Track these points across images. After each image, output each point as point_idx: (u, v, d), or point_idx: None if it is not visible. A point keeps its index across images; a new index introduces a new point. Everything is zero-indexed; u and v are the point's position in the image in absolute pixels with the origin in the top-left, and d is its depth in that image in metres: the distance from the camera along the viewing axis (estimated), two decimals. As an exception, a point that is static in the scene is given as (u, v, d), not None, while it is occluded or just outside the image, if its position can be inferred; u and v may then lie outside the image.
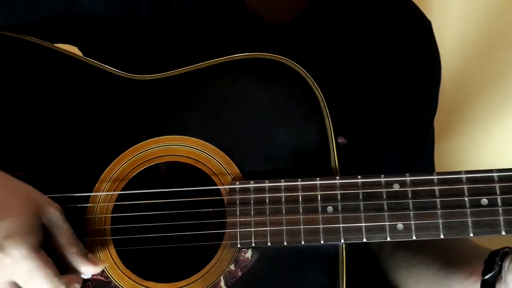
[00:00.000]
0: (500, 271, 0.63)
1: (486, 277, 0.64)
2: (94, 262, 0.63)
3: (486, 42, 1.18)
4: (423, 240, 0.63)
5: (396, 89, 0.84)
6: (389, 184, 0.63)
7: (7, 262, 0.56)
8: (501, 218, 0.61)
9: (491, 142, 1.19)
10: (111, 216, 0.69)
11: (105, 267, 0.68)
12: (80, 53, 0.84)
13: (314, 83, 0.69)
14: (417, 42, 0.85)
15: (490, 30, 1.17)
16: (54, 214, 0.62)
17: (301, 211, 0.64)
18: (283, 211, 0.65)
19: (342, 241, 0.63)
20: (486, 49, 1.18)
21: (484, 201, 0.61)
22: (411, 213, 0.62)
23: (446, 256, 0.77)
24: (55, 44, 0.78)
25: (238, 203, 0.66)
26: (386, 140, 0.85)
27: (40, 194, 0.62)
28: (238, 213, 0.66)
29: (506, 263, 0.62)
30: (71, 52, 0.76)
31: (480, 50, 1.18)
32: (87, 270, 0.63)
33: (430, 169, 0.89)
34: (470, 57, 1.19)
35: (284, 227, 0.64)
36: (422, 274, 0.79)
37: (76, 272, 0.62)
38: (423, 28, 0.86)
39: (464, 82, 1.18)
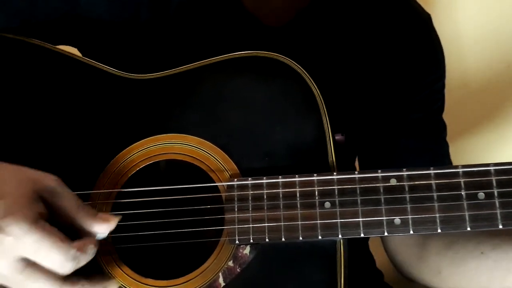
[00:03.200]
0: None
1: None
2: (105, 219, 0.62)
3: (498, 39, 1.18)
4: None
5: (401, 81, 0.85)
6: (386, 179, 0.64)
7: (10, 241, 0.56)
8: (498, 211, 0.61)
9: (491, 142, 1.19)
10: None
11: (105, 267, 0.68)
12: (80, 54, 0.84)
13: (311, 80, 0.70)
14: (417, 35, 0.86)
15: (502, 26, 1.17)
16: (52, 184, 0.61)
17: (298, 206, 0.65)
18: (281, 207, 0.65)
19: (340, 236, 0.63)
20: (498, 45, 1.18)
21: (481, 194, 0.61)
22: (408, 207, 0.62)
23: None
24: (56, 46, 0.79)
25: (236, 199, 0.66)
26: (400, 129, 0.85)
27: (34, 171, 0.61)
28: (236, 209, 0.66)
29: None
30: (70, 53, 0.77)
31: (491, 47, 1.18)
32: (101, 229, 0.61)
33: (448, 157, 0.89)
34: (482, 54, 1.19)
35: (282, 223, 0.65)
36: (501, 258, 0.72)
37: (90, 235, 0.61)
38: (422, 21, 0.87)
39: (465, 82, 1.19)
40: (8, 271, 0.57)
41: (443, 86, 0.89)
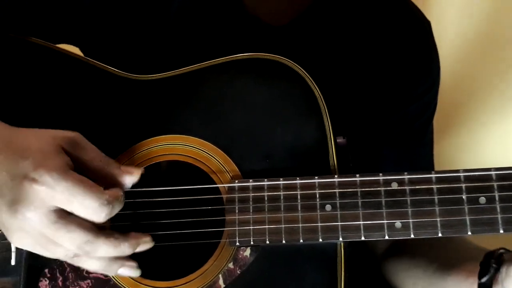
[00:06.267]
0: (495, 272, 0.63)
1: (483, 280, 0.64)
2: (129, 171, 0.63)
3: (485, 42, 1.18)
4: (420, 241, 0.63)
5: (395, 89, 0.85)
6: (387, 183, 0.64)
7: (43, 191, 0.56)
8: (499, 216, 0.61)
9: (490, 141, 1.19)
10: (111, 214, 0.69)
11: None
12: (81, 54, 0.84)
13: (313, 82, 0.70)
14: (417, 43, 0.86)
15: (489, 29, 1.17)
16: (74, 137, 0.61)
17: (299, 209, 0.65)
18: (282, 209, 0.65)
19: (340, 239, 0.63)
20: (485, 48, 1.19)
21: (482, 199, 0.61)
22: (409, 211, 0.62)
23: (442, 258, 0.77)
24: (57, 45, 0.79)
25: (237, 201, 0.66)
26: (385, 139, 0.86)
27: (54, 130, 0.62)
28: (237, 211, 0.66)
29: (504, 269, 0.62)
30: (72, 53, 0.77)
31: (479, 50, 1.19)
32: (126, 180, 0.62)
33: (430, 168, 0.90)
34: (469, 57, 1.20)
35: (283, 225, 0.65)
36: (419, 277, 0.79)
37: (115, 186, 0.62)
38: (422, 29, 0.87)
39: (463, 82, 1.19)
40: (41, 222, 0.57)
41: (435, 94, 0.89)
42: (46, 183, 0.56)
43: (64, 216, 0.57)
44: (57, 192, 0.56)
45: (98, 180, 0.60)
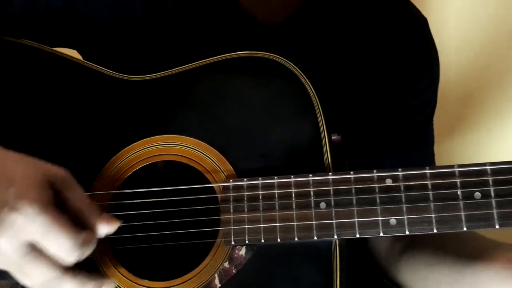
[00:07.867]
0: None
1: None
2: (109, 220, 0.62)
3: (487, 41, 1.18)
4: (442, 235, 0.61)
5: (394, 85, 0.84)
6: (381, 179, 0.63)
7: (21, 221, 0.56)
8: (495, 211, 0.60)
9: (491, 141, 1.18)
10: (107, 215, 0.70)
11: (101, 267, 0.68)
12: (79, 56, 0.85)
13: (307, 81, 0.69)
14: (414, 39, 0.85)
15: (491, 28, 1.17)
16: (62, 174, 0.61)
17: (294, 207, 0.64)
18: (276, 208, 0.65)
19: (335, 237, 0.63)
20: (487, 47, 1.18)
21: (477, 194, 0.61)
22: (404, 207, 0.62)
23: (470, 252, 0.71)
24: (54, 48, 0.79)
25: (231, 200, 0.66)
26: (385, 137, 0.85)
27: (44, 162, 0.61)
28: (232, 210, 0.66)
29: None
30: (67, 55, 0.78)
31: (481, 48, 1.18)
32: (103, 228, 0.62)
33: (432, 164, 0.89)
34: (471, 56, 1.19)
35: (278, 224, 0.64)
36: (445, 274, 0.73)
37: (92, 230, 0.61)
38: (419, 25, 0.86)
39: (464, 81, 1.18)
40: (13, 252, 0.57)
41: (435, 91, 0.88)
42: (25, 214, 0.56)
43: (36, 251, 0.57)
44: (34, 225, 0.56)
45: (76, 221, 0.60)
